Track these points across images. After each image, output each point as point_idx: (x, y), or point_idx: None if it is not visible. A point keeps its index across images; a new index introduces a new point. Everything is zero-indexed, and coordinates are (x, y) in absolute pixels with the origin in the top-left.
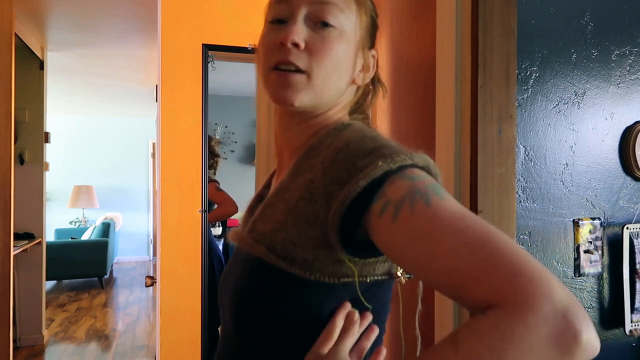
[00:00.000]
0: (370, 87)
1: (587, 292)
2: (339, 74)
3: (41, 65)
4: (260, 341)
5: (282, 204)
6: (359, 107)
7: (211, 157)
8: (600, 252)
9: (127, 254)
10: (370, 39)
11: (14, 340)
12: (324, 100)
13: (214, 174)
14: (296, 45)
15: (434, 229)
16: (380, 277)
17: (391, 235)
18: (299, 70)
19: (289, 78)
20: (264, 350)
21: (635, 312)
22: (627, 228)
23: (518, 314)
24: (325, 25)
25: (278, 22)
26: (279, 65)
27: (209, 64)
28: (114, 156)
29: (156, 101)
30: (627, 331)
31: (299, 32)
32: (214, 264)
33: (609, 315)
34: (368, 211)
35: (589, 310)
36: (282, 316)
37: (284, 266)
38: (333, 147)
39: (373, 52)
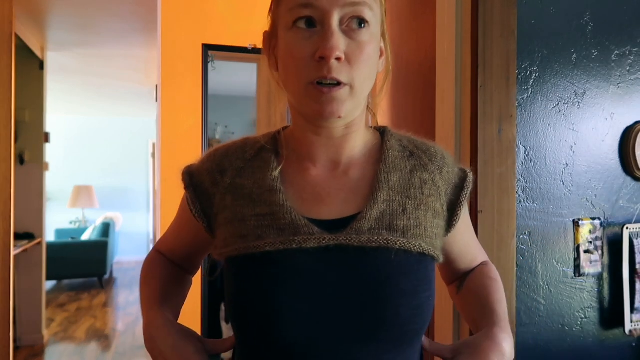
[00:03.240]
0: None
1: (587, 292)
2: (372, 74)
3: (41, 65)
4: (417, 340)
5: (409, 200)
6: None
7: None
8: (600, 252)
9: (127, 254)
10: (384, 18)
11: (14, 340)
12: (362, 103)
13: None
14: (338, 59)
15: (471, 224)
16: None
17: (461, 225)
18: (340, 83)
19: (333, 93)
20: (416, 349)
21: (635, 312)
22: (627, 228)
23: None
24: (360, 25)
25: (306, 26)
26: (321, 80)
27: (209, 64)
28: (114, 156)
29: (156, 101)
30: (627, 331)
31: (339, 44)
32: (216, 263)
33: (609, 315)
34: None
35: (589, 310)
36: (432, 303)
37: (437, 255)
38: (421, 149)
39: (386, 34)
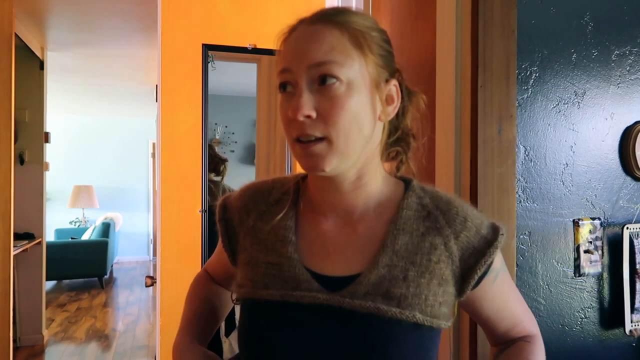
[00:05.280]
0: (402, 105)
1: (587, 292)
2: (359, 126)
3: (41, 65)
4: None
5: (413, 266)
6: (397, 139)
7: (221, 163)
8: (600, 252)
9: (127, 254)
10: (387, 69)
11: (14, 340)
12: (353, 155)
13: (222, 179)
14: (308, 116)
15: (509, 289)
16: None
17: (488, 290)
18: (319, 138)
19: (311, 149)
20: None
21: (635, 312)
22: (627, 228)
23: (540, 341)
24: (330, 81)
25: (286, 88)
26: (299, 138)
27: (209, 64)
28: (114, 156)
29: (156, 101)
30: (627, 331)
31: (307, 104)
32: None
33: (609, 315)
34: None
35: (589, 310)
36: None
37: (436, 324)
38: (441, 209)
39: (393, 81)
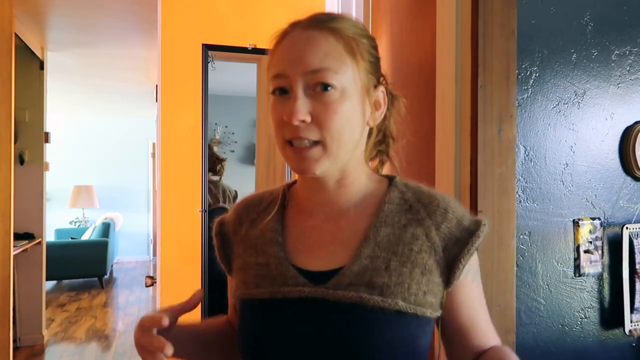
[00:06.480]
0: (387, 110)
1: (587, 292)
2: (351, 131)
3: (41, 65)
4: None
5: (396, 256)
6: (379, 141)
7: (218, 162)
8: (600, 252)
9: (127, 254)
10: (376, 75)
11: (14, 340)
12: (343, 158)
13: (220, 179)
14: (302, 121)
15: (482, 298)
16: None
17: (469, 291)
18: (314, 142)
19: (304, 152)
20: None
21: (635, 312)
22: (627, 228)
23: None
24: (325, 88)
25: (281, 92)
26: (292, 141)
27: (209, 64)
28: (114, 156)
29: (156, 101)
30: (627, 331)
31: (302, 108)
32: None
33: (609, 315)
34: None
35: (589, 310)
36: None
37: (420, 312)
38: (423, 202)
39: (381, 87)
